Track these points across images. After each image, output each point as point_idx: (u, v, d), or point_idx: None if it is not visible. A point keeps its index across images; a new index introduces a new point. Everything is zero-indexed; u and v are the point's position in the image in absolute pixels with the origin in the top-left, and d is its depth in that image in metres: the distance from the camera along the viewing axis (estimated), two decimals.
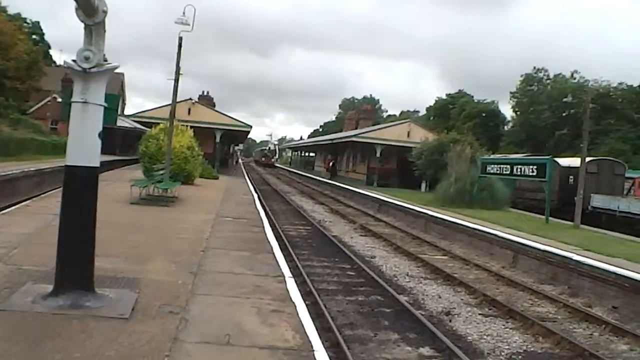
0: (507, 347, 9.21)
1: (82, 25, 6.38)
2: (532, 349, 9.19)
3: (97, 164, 6.63)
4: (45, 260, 7.74)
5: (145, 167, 25.48)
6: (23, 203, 16.03)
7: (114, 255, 9.12)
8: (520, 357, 8.83)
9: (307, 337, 6.27)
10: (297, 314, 7.12)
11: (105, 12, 6.38)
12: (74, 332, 5.56)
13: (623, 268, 12.44)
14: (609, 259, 13.59)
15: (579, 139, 47.86)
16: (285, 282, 8.81)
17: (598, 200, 26.32)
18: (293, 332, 6.35)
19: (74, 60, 6.40)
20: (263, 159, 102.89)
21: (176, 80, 21.34)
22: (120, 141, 42.00)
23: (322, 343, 6.32)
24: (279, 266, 10.02)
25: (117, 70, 6.98)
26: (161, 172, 20.12)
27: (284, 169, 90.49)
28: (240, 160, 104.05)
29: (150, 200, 17.93)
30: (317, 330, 6.73)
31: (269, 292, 8.08)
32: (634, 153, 52.95)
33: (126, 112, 58.69)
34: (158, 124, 28.60)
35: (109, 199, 16.28)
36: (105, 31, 6.57)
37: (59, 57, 71.98)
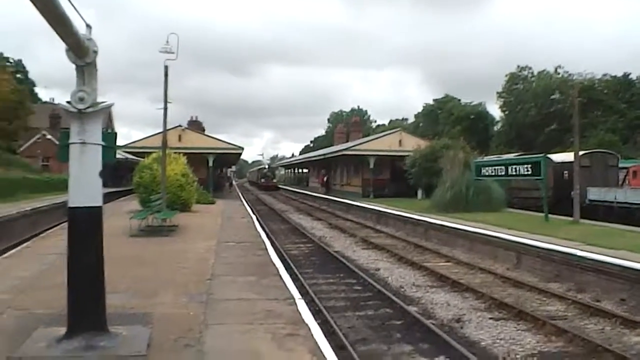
0: (521, 349, 9.18)
1: (74, 66, 6.37)
2: (546, 349, 9.17)
3: (100, 203, 6.61)
4: (54, 302, 7.70)
5: (141, 197, 25.41)
6: (23, 245, 15.95)
7: (121, 291, 9.09)
8: (535, 358, 8.80)
9: (325, 359, 6.24)
10: (312, 335, 7.10)
11: (95, 52, 6.37)
12: None
13: (627, 260, 12.46)
14: (612, 252, 13.59)
15: (568, 133, 48.29)
16: (295, 304, 8.78)
17: (594, 193, 26.43)
18: (310, 355, 6.33)
19: (68, 102, 6.35)
20: (262, 180, 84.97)
21: (165, 109, 21.35)
22: (111, 173, 41.87)
23: None
24: (287, 288, 9.99)
25: None
26: (158, 201, 20.05)
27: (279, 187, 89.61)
28: (234, 183, 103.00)
29: (150, 231, 17.89)
30: (333, 351, 6.70)
31: (281, 315, 8.06)
32: (623, 143, 53.28)
33: None
34: (150, 153, 28.57)
35: (108, 233, 15.85)
36: (97, 70, 6.54)
37: (45, 93, 72.21)
